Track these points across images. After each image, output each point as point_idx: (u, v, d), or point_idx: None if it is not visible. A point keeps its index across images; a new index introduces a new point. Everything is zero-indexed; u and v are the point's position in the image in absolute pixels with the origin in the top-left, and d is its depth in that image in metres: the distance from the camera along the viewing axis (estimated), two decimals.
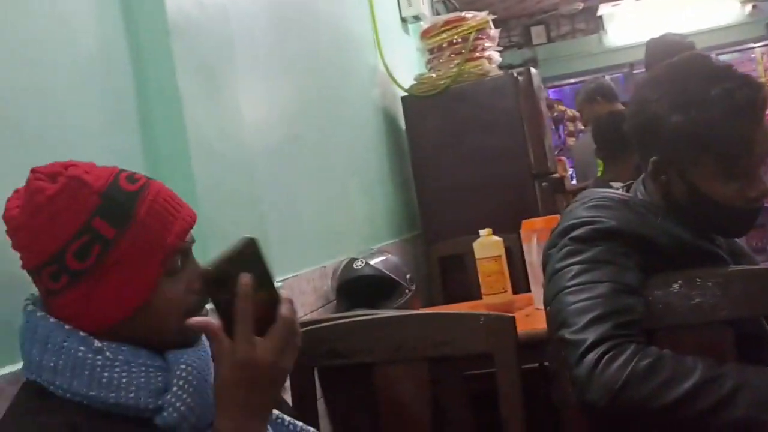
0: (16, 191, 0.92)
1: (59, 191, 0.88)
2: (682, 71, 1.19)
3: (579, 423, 1.22)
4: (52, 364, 0.87)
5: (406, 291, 2.19)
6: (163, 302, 0.91)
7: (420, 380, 1.26)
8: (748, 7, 5.56)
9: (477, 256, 2.18)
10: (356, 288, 2.16)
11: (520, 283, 2.47)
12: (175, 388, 0.90)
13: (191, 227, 0.95)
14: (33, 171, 0.92)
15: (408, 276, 2.22)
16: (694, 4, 5.57)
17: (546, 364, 1.93)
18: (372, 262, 2.17)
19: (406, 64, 3.64)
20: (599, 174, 3.11)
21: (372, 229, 2.81)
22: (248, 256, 0.90)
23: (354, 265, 2.16)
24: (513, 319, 1.22)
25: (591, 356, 1.02)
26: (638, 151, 1.25)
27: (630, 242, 1.16)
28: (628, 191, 1.33)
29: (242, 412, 0.89)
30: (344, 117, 2.75)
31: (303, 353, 1.30)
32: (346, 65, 2.89)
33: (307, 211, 2.22)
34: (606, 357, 1.02)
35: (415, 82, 3.21)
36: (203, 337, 1.01)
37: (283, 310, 0.91)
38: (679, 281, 1.13)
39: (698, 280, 1.11)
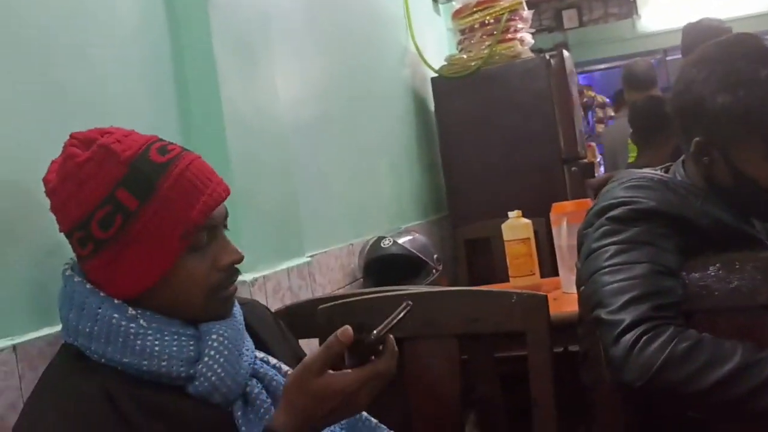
0: (62, 155, 0.93)
1: (88, 159, 0.89)
2: (731, 51, 1.16)
3: (609, 406, 1.22)
4: (87, 330, 0.89)
5: (433, 271, 2.19)
6: (185, 277, 0.91)
7: (450, 356, 1.26)
8: None
9: (505, 238, 2.17)
10: (383, 266, 2.16)
11: (546, 268, 2.45)
12: (206, 358, 0.92)
13: (219, 203, 0.94)
14: (71, 136, 0.94)
15: (435, 256, 2.22)
16: None
17: (571, 348, 1.93)
18: (400, 241, 2.17)
19: (437, 44, 3.62)
20: (630, 160, 3.08)
21: (399, 209, 2.81)
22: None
23: (382, 244, 2.16)
24: (546, 298, 1.21)
25: (628, 337, 1.02)
26: (680, 132, 1.23)
27: (669, 223, 1.15)
28: (666, 173, 1.31)
29: (303, 419, 0.88)
30: (375, 96, 2.74)
31: (332, 328, 1.33)
32: (378, 44, 2.87)
33: (336, 188, 2.23)
34: (644, 338, 1.01)
35: (445, 63, 3.19)
36: (236, 310, 1.02)
37: (382, 362, 0.91)
38: (718, 264, 1.11)
39: (737, 263, 1.09)
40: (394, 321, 0.90)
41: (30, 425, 0.83)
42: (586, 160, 3.07)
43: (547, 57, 3.03)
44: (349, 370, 0.88)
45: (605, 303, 1.08)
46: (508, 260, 2.16)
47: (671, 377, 0.98)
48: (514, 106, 3.05)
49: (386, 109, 2.88)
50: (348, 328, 0.89)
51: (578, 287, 1.28)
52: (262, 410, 0.96)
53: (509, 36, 3.10)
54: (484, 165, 3.12)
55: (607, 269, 1.11)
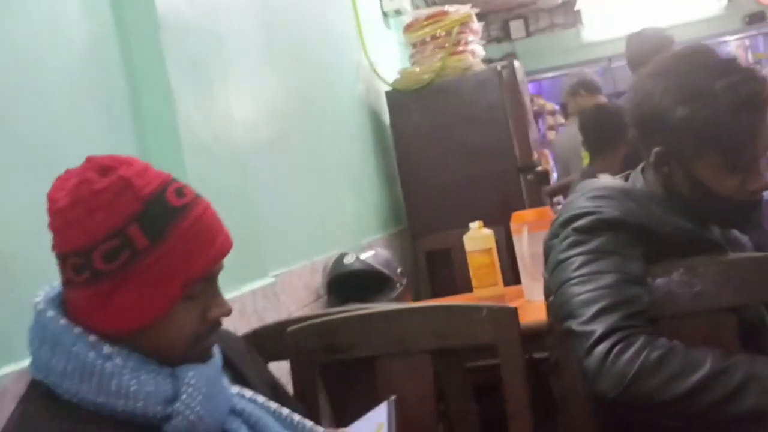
0: (68, 172, 0.90)
1: (105, 188, 0.87)
2: (687, 64, 1.19)
3: (581, 414, 1.23)
4: (60, 368, 0.86)
5: (397, 285, 2.19)
6: (175, 324, 0.90)
7: (422, 373, 1.26)
8: (725, 0, 5.63)
9: (467, 249, 2.18)
10: (347, 283, 2.15)
11: (507, 276, 2.47)
12: (184, 396, 0.89)
13: (224, 257, 0.93)
14: (89, 159, 0.91)
15: (398, 270, 2.22)
16: None
17: (536, 356, 1.95)
18: (362, 257, 2.16)
19: (390, 58, 3.64)
20: (585, 166, 3.13)
21: (360, 224, 2.80)
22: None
23: (344, 260, 2.15)
24: (515, 310, 1.22)
25: (601, 347, 1.03)
26: (640, 142, 1.26)
27: (633, 232, 1.17)
28: (626, 180, 1.34)
29: None
30: (331, 113, 2.73)
31: (302, 349, 1.32)
32: (331, 61, 2.87)
33: (296, 207, 2.21)
34: (616, 348, 1.02)
35: (398, 77, 3.21)
36: (214, 350, 1.00)
37: None
38: (681, 269, 1.14)
39: (700, 268, 1.12)
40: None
41: None
42: (541, 168, 3.11)
43: (499, 68, 3.08)
44: None
45: (575, 314, 1.09)
46: (471, 271, 2.17)
47: (645, 386, 1.00)
48: (468, 118, 3.08)
49: (343, 125, 2.88)
50: None
51: (546, 297, 1.29)
52: None
53: (460, 48, 3.13)
54: (440, 176, 3.14)
55: (575, 280, 1.12)
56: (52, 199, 0.89)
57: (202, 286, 0.91)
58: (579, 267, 1.13)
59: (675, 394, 0.99)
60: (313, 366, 1.32)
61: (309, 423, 1.09)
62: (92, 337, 0.87)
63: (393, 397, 0.95)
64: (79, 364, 0.85)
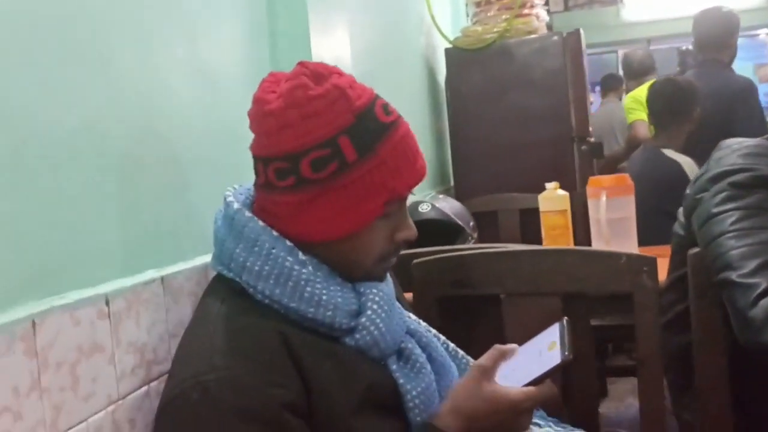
0: (273, 75, 0.89)
1: (321, 95, 0.86)
2: None
3: (710, 369, 1.24)
4: (257, 268, 0.86)
5: (469, 238, 2.19)
6: (368, 240, 0.90)
7: (551, 315, 1.26)
8: None
9: (542, 209, 2.17)
10: (420, 231, 2.14)
11: None
12: (369, 312, 0.90)
13: (423, 178, 0.93)
14: (301, 64, 0.91)
15: (471, 224, 2.21)
16: None
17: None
18: (438, 206, 2.15)
19: (453, 15, 3.59)
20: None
21: None
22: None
23: (419, 208, 2.14)
24: (656, 260, 1.22)
25: (766, 300, 1.03)
26: None
27: None
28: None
29: (469, 424, 0.88)
30: (392, 62, 2.70)
31: (428, 282, 1.32)
32: (396, 12, 2.83)
33: None
34: None
35: (460, 35, 3.17)
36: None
37: (552, 387, 0.90)
38: None
39: None
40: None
41: (210, 367, 0.79)
42: (595, 140, 3.11)
43: (564, 34, 3.05)
44: (527, 388, 0.88)
45: (735, 266, 1.09)
46: (543, 231, 2.16)
47: None
48: (526, 82, 3.06)
49: (403, 77, 2.85)
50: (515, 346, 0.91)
51: (679, 249, 1.30)
52: (417, 365, 0.95)
53: (526, 11, 3.10)
54: (492, 139, 3.12)
55: (732, 233, 1.12)
56: (262, 100, 0.88)
57: (398, 205, 0.91)
58: (737, 221, 1.13)
59: None
60: (437, 300, 1.31)
61: (469, 358, 1.09)
62: (288, 243, 0.87)
63: (565, 318, 0.94)
64: (276, 267, 0.85)
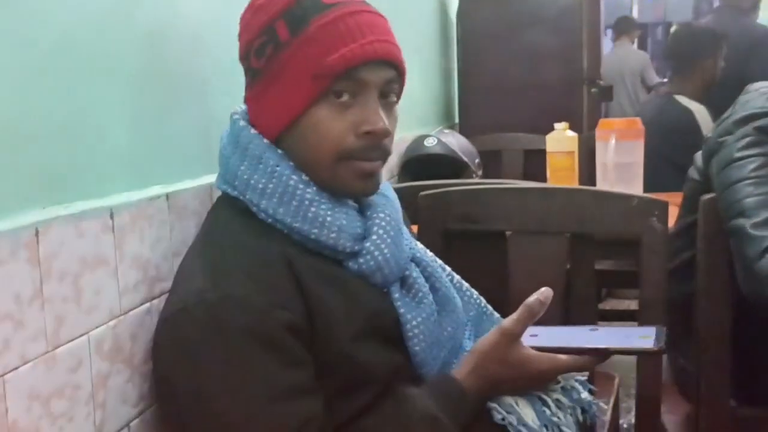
0: None
1: None
2: None
3: (716, 309, 1.23)
4: (261, 186, 0.84)
5: (474, 176, 2.16)
6: (314, 126, 0.84)
7: (558, 254, 1.25)
8: None
9: (548, 149, 2.14)
10: (424, 165, 2.12)
11: None
12: (374, 236, 0.88)
13: (368, 59, 0.83)
14: None
15: (477, 161, 2.19)
16: None
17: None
18: (444, 140, 2.12)
19: None
20: None
21: (424, 113, 2.75)
22: None
23: (425, 142, 2.11)
24: (667, 204, 1.20)
25: None
26: None
27: None
28: None
29: (492, 385, 0.89)
30: None
31: (435, 216, 1.30)
32: None
33: None
34: None
35: None
36: (391, 192, 0.97)
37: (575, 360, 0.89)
38: None
39: None
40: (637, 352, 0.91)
41: (215, 285, 0.78)
42: (605, 83, 3.05)
43: None
44: (554, 357, 0.88)
45: (749, 214, 1.07)
46: (548, 172, 2.14)
47: None
48: (540, 19, 2.98)
49: (414, 10, 2.77)
50: (548, 289, 0.88)
51: (691, 196, 1.28)
52: (420, 294, 0.93)
53: None
54: (501, 77, 3.06)
55: (751, 180, 1.10)
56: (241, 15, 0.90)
57: (350, 89, 0.83)
58: (758, 168, 1.11)
59: None
60: (443, 233, 1.30)
61: (473, 291, 1.08)
62: (292, 163, 0.85)
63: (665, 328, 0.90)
64: (280, 186, 0.84)
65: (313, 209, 0.84)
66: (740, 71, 2.59)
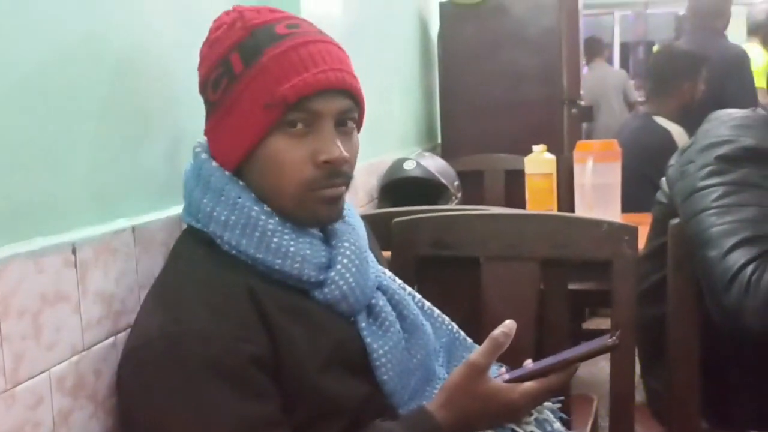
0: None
1: (223, 23, 0.87)
2: None
3: (682, 339, 1.24)
4: (223, 218, 0.84)
5: (453, 198, 2.17)
6: (271, 157, 0.84)
7: (530, 280, 1.26)
8: None
9: (527, 172, 2.16)
10: (404, 188, 2.13)
11: None
12: (339, 266, 0.88)
13: (321, 88, 0.83)
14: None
15: (456, 183, 2.20)
16: None
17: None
18: (423, 163, 2.13)
19: None
20: None
21: (406, 134, 2.76)
22: None
23: (405, 165, 2.12)
24: (637, 229, 1.21)
25: (738, 283, 1.03)
26: None
27: None
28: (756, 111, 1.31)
29: (463, 419, 0.88)
30: (386, 15, 2.64)
31: (408, 242, 1.30)
32: None
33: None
34: (753, 280, 1.02)
35: None
36: (357, 220, 0.98)
37: (557, 379, 0.90)
38: None
39: None
40: (595, 352, 0.88)
41: (177, 319, 0.78)
42: (586, 103, 3.07)
43: None
44: (525, 384, 0.87)
45: (713, 244, 1.08)
46: (527, 194, 2.15)
47: None
48: (520, 40, 3.01)
49: (397, 30, 2.79)
50: (512, 322, 0.87)
51: (662, 219, 1.29)
52: (387, 323, 0.94)
53: None
54: (482, 97, 3.08)
55: (714, 210, 1.11)
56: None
57: (304, 119, 0.84)
58: (719, 197, 1.11)
59: None
60: (416, 260, 1.30)
61: (445, 317, 1.08)
62: (254, 195, 0.85)
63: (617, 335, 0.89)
64: (242, 217, 0.84)
65: (276, 239, 0.84)
66: (717, 92, 2.62)
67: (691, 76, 2.50)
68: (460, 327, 1.14)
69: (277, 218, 0.85)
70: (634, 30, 5.90)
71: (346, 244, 0.91)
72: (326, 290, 0.87)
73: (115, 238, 0.86)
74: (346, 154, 0.86)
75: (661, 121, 2.49)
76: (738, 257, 1.05)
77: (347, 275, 0.88)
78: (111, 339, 0.85)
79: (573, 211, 2.17)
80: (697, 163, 1.18)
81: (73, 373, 0.79)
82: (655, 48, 3.06)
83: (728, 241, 1.07)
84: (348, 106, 0.88)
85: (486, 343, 0.87)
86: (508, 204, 2.82)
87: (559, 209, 2.36)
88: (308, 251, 0.86)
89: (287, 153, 0.84)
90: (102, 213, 0.86)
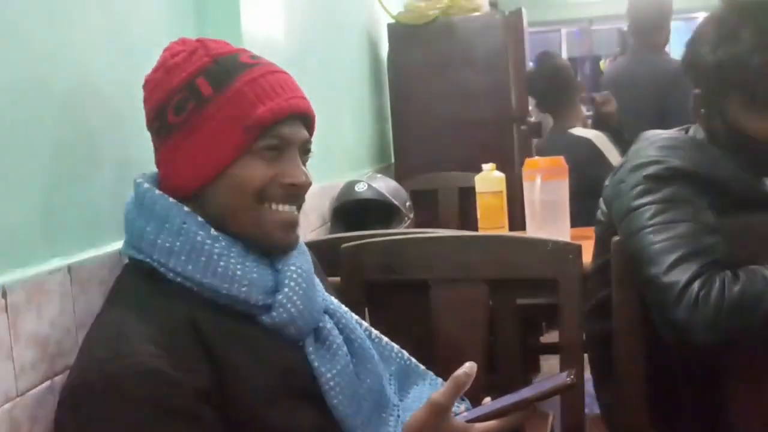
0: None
1: (182, 50, 0.89)
2: (728, 10, 1.22)
3: (628, 353, 1.26)
4: (167, 245, 0.84)
5: (405, 219, 2.18)
6: (240, 175, 0.86)
7: (478, 301, 1.27)
8: None
9: (478, 190, 2.18)
10: (356, 211, 2.13)
11: None
12: (286, 289, 0.88)
13: (293, 111, 0.89)
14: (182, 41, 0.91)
15: (408, 204, 2.21)
16: None
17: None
18: (375, 185, 2.13)
19: None
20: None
21: (358, 156, 2.77)
22: None
23: (356, 188, 2.13)
24: (580, 247, 1.23)
25: (686, 299, 1.04)
26: (689, 86, 1.28)
27: (700, 183, 1.18)
28: (686, 133, 1.35)
29: None
30: (335, 38, 2.65)
31: (357, 267, 1.30)
32: None
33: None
34: (700, 296, 1.04)
35: (403, 10, 3.13)
36: (305, 247, 0.98)
37: (519, 417, 0.89)
38: None
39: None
40: (553, 391, 0.88)
41: (117, 356, 0.76)
42: (535, 120, 3.12)
43: (507, 13, 3.05)
44: (485, 423, 0.87)
45: (654, 262, 1.10)
46: (479, 212, 2.17)
47: (736, 322, 1.03)
48: (469, 60, 3.05)
49: (346, 52, 2.80)
50: (473, 364, 0.87)
51: (603, 237, 1.31)
52: (334, 346, 0.93)
53: None
54: (433, 117, 3.11)
55: (650, 228, 1.13)
56: (146, 78, 0.91)
57: (274, 144, 0.88)
58: (653, 215, 1.14)
59: (764, 316, 1.03)
60: (366, 285, 1.30)
61: (394, 345, 1.08)
62: (200, 218, 0.85)
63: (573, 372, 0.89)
64: (188, 242, 0.84)
65: (222, 263, 0.84)
66: (660, 105, 2.68)
67: (574, 86, 2.58)
68: (413, 351, 1.15)
69: (223, 242, 0.85)
70: (580, 46, 6.03)
71: (293, 267, 0.91)
72: (274, 314, 0.87)
73: (49, 279, 0.84)
74: (310, 180, 0.92)
75: (577, 131, 2.53)
76: (681, 273, 1.07)
77: (295, 298, 0.88)
78: (47, 383, 0.83)
79: (525, 227, 2.20)
80: (629, 183, 1.21)
81: (6, 421, 0.76)
82: (530, 68, 3.12)
83: (668, 258, 1.09)
84: (308, 137, 0.94)
85: (448, 382, 0.86)
86: (463, 221, 2.85)
87: (512, 226, 2.39)
88: (255, 274, 0.86)
89: (256, 173, 0.87)
90: (34, 253, 0.84)
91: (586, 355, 1.45)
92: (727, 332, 1.04)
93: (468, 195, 2.66)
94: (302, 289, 0.89)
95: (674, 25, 3.11)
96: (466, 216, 2.68)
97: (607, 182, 1.33)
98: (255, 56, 0.92)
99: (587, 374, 1.34)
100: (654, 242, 1.12)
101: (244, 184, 0.86)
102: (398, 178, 3.15)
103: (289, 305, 0.87)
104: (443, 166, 3.02)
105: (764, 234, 1.18)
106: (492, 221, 2.16)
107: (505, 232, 2.17)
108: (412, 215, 2.22)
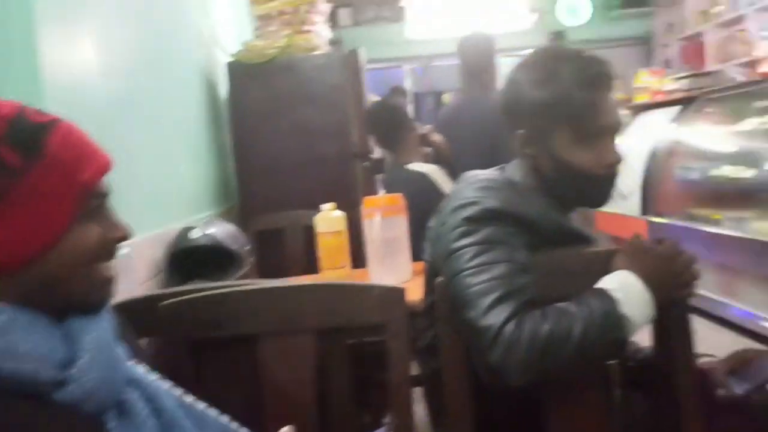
0: None
1: None
2: (544, 54, 1.30)
3: (457, 394, 1.28)
4: None
5: (244, 264, 2.12)
6: (74, 246, 0.81)
7: (306, 352, 1.24)
8: (535, 17, 6.11)
9: (318, 230, 2.17)
10: (190, 259, 2.05)
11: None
12: (81, 361, 0.81)
13: (107, 170, 0.86)
14: None
15: (246, 248, 2.15)
16: (488, 10, 5.98)
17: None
18: (209, 232, 2.07)
19: (238, 29, 3.50)
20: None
21: (196, 199, 2.68)
22: None
23: (189, 234, 2.05)
24: (404, 291, 1.24)
25: (500, 342, 1.07)
26: (509, 129, 1.33)
27: (515, 222, 1.23)
28: (503, 171, 1.40)
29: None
30: (171, 76, 2.58)
31: (177, 325, 1.24)
32: (177, 22, 2.70)
33: (139, 172, 2.05)
34: (513, 337, 1.07)
35: (242, 49, 3.10)
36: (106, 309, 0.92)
37: None
38: None
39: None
40: None
41: None
42: (376, 156, 3.18)
43: (345, 52, 3.09)
44: None
45: (471, 305, 1.12)
46: (320, 252, 2.16)
47: (548, 362, 1.07)
48: (309, 98, 3.07)
49: (183, 91, 2.73)
50: (292, 426, 0.85)
51: (430, 277, 1.33)
52: (139, 419, 0.86)
53: (306, 28, 3.11)
54: (276, 155, 3.10)
55: (469, 271, 1.15)
56: None
57: (97, 203, 0.84)
58: (472, 258, 1.16)
59: (571, 352, 1.07)
60: (189, 343, 1.24)
61: (212, 411, 1.02)
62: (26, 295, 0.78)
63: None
64: None
65: (3, 339, 0.75)
66: (492, 139, 2.80)
67: (407, 116, 2.69)
68: (243, 409, 1.09)
69: (6, 314, 0.76)
70: (422, 82, 6.25)
71: (89, 336, 0.83)
72: (69, 389, 0.79)
73: None
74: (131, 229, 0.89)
75: (414, 166, 2.60)
76: (496, 317, 1.10)
77: (91, 371, 0.81)
78: None
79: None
80: (449, 224, 1.23)
81: None
82: (369, 107, 3.22)
83: (485, 300, 1.12)
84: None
85: None
86: (310, 258, 2.83)
87: (358, 263, 2.39)
88: (44, 349, 0.78)
89: (91, 238, 0.82)
90: None
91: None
92: (539, 373, 1.07)
93: (314, 233, 2.65)
94: (100, 359, 0.82)
95: (506, 62, 3.28)
96: (314, 255, 2.66)
97: (431, 223, 1.35)
98: (38, 111, 0.84)
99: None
100: (472, 285, 1.14)
101: (79, 251, 0.81)
102: (243, 218, 3.10)
103: (84, 379, 0.80)
104: (288, 204, 3.00)
105: (571, 268, 1.24)
106: (333, 261, 2.16)
107: (346, 271, 2.17)
108: (252, 259, 2.16)
